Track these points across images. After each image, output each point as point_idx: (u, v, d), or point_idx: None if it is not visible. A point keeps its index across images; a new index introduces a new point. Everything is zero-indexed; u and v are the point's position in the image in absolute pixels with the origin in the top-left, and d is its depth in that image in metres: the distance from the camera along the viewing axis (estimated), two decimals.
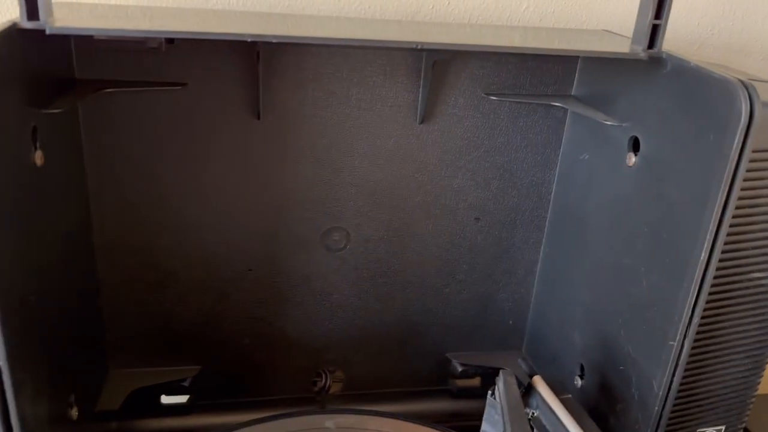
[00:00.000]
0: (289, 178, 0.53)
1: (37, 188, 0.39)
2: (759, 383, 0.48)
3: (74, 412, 0.46)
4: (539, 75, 0.53)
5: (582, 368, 0.53)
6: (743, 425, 0.50)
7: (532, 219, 0.58)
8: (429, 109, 0.52)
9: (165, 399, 0.57)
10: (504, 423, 0.40)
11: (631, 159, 0.46)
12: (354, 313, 0.59)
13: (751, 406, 0.49)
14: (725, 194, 0.38)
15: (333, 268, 0.57)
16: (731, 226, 0.39)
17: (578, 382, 0.53)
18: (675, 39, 0.61)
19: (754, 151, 0.37)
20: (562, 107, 0.53)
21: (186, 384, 0.57)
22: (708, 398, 0.46)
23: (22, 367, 0.36)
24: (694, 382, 0.44)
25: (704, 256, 0.39)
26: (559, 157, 0.56)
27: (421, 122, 0.52)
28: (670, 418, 0.45)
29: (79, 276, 0.49)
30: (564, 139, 0.55)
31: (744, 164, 0.37)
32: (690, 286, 0.40)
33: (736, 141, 0.36)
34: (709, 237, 0.38)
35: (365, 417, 0.44)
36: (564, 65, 0.53)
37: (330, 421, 0.44)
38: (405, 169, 0.54)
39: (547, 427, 0.42)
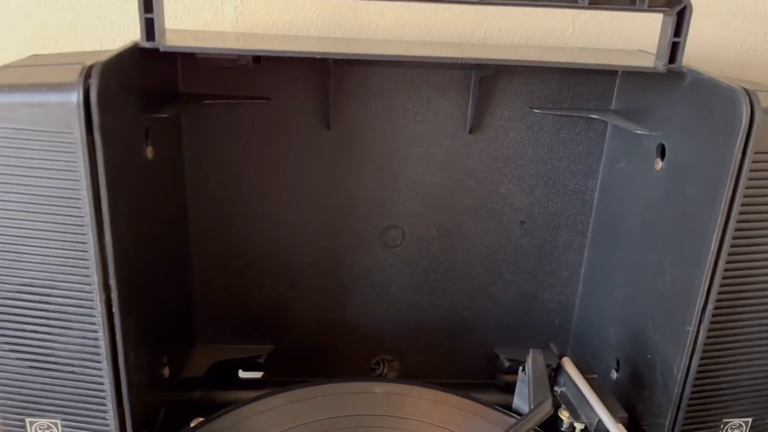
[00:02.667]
0: (353, 180, 0.60)
1: (147, 177, 0.48)
2: None
3: (166, 371, 0.55)
4: (579, 91, 0.58)
5: (618, 362, 0.57)
6: None
7: (575, 224, 0.63)
8: (477, 121, 0.59)
9: (242, 374, 0.65)
10: (528, 392, 0.45)
11: (659, 164, 0.51)
12: (408, 306, 0.65)
13: None
14: (731, 190, 0.42)
15: (390, 263, 0.63)
16: (739, 221, 0.43)
17: (614, 375, 0.57)
18: (718, 60, 0.65)
19: (756, 153, 0.41)
20: (602, 120, 0.58)
21: (261, 361, 0.64)
22: (731, 387, 0.49)
23: (129, 319, 0.45)
24: (713, 369, 0.48)
25: (714, 246, 0.43)
26: (601, 167, 0.61)
27: (470, 132, 0.59)
28: (693, 404, 0.49)
29: (175, 258, 0.58)
30: (605, 150, 0.60)
31: (747, 164, 0.41)
32: (703, 275, 0.44)
33: (738, 142, 0.41)
34: (719, 229, 0.43)
35: (409, 386, 0.50)
36: (602, 82, 0.58)
37: (378, 387, 0.50)
38: (455, 175, 0.60)
39: (572, 400, 0.47)
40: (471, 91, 0.57)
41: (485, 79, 0.56)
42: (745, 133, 0.40)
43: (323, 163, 0.60)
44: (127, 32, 0.61)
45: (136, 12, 0.43)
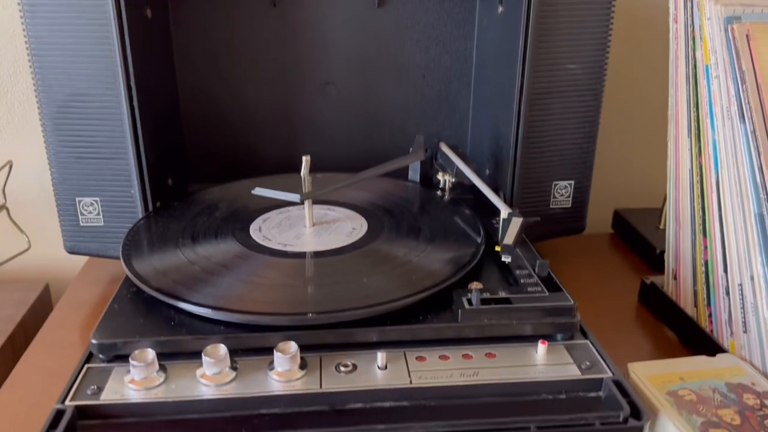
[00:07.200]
0: (296, 46, 0.83)
1: (148, 30, 0.71)
2: (594, 150, 0.74)
3: (170, 182, 0.78)
4: None
5: (488, 160, 0.80)
6: (588, 183, 0.76)
7: (461, 76, 0.86)
8: None
9: None
10: (410, 152, 0.68)
11: (499, 8, 0.74)
12: (346, 146, 0.88)
13: (592, 168, 0.75)
14: (526, 13, 0.65)
15: (329, 111, 0.86)
16: (537, 35, 0.66)
17: (487, 171, 0.81)
18: None
19: None
20: None
21: None
22: (553, 156, 0.73)
23: (144, 117, 0.67)
24: (536, 139, 0.71)
25: (521, 49, 0.66)
26: (475, 31, 0.84)
27: (378, 6, 0.82)
28: (527, 169, 0.72)
29: (169, 106, 0.81)
30: (477, 16, 0.83)
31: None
32: (516, 70, 0.67)
33: None
34: (522, 38, 0.66)
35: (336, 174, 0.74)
36: None
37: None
38: (370, 40, 0.83)
39: (445, 165, 0.70)
40: None
41: None
42: None
43: (272, 34, 0.82)
44: None
45: None
